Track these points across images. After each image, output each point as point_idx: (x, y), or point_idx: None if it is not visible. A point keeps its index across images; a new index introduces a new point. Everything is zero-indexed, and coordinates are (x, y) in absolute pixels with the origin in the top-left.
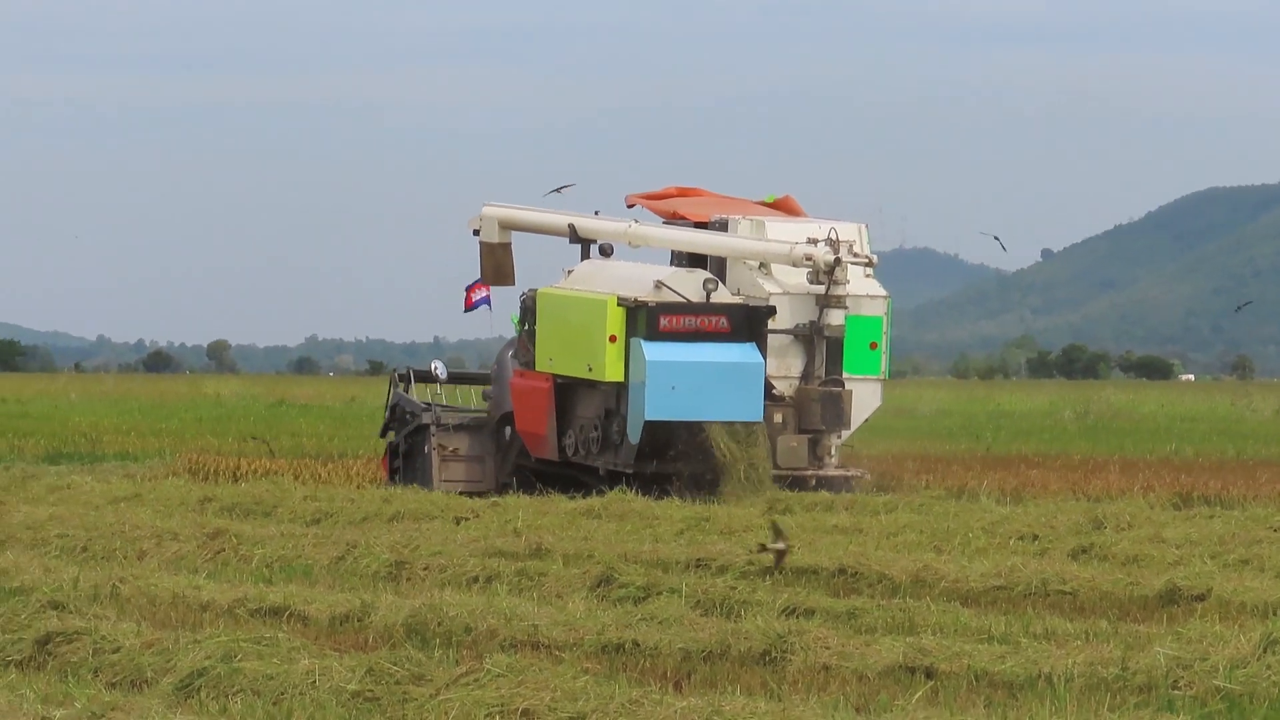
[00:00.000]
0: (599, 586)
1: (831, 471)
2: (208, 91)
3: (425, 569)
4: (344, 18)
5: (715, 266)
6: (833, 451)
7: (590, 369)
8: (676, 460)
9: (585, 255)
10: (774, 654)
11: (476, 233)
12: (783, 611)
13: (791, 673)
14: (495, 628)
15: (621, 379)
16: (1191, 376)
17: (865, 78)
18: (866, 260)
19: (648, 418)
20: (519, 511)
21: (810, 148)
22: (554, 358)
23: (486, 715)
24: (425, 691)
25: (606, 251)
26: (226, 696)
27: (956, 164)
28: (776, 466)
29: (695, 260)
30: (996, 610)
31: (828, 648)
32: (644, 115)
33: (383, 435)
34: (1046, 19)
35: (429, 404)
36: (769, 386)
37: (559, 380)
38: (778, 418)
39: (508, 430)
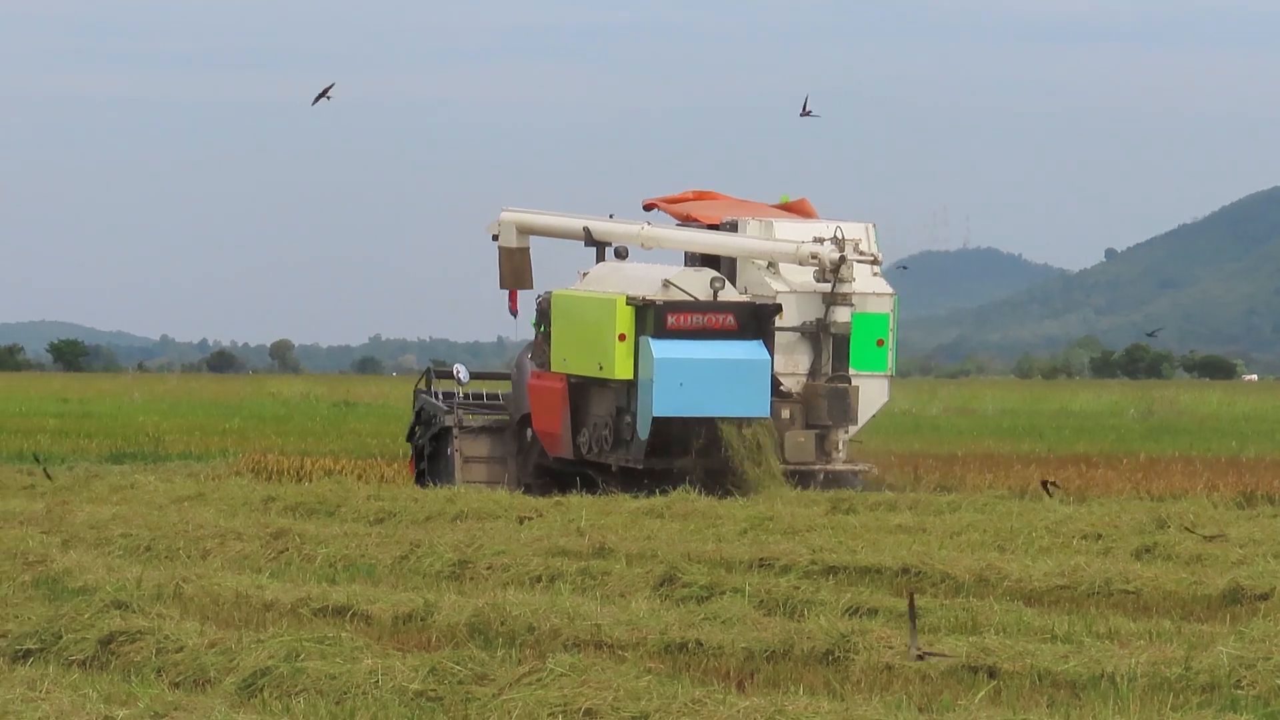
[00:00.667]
0: (662, 586)
1: (839, 466)
2: (269, 90)
3: (488, 568)
4: (400, 17)
5: (727, 267)
6: (840, 446)
7: (601, 367)
8: (686, 456)
9: (600, 258)
10: (837, 654)
11: (495, 238)
12: (846, 611)
13: (854, 672)
14: (558, 627)
15: (631, 377)
16: (1255, 376)
17: (926, 77)
18: (872, 259)
19: (656, 414)
20: (582, 511)
21: (871, 148)
22: (568, 358)
23: (549, 715)
24: (488, 691)
25: (622, 254)
26: (289, 696)
27: (1021, 163)
28: (784, 461)
29: (708, 261)
30: (1060, 610)
31: (891, 647)
32: (699, 114)
33: (409, 439)
34: (1112, 18)
35: (450, 406)
36: (776, 383)
37: (573, 380)
38: (785, 413)
39: (529, 432)
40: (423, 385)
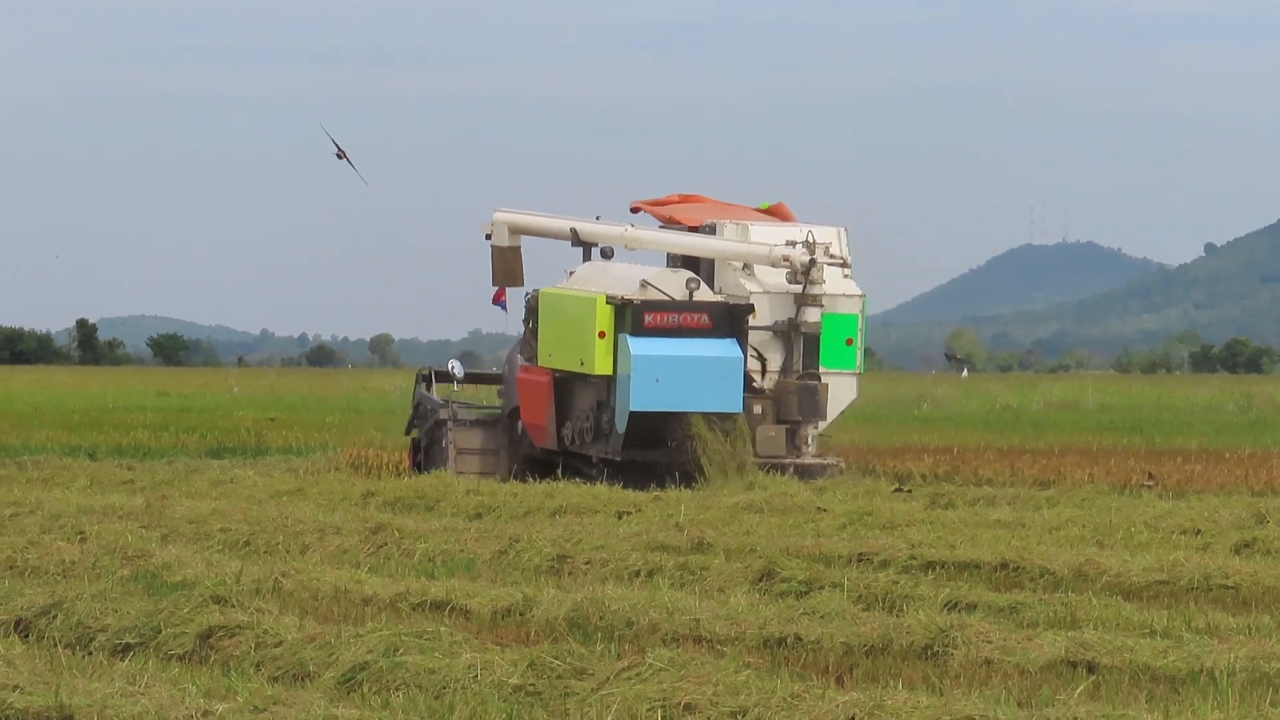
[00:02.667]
0: (761, 581)
1: (808, 460)
2: (369, 84)
3: (587, 563)
4: (521, 14)
5: (706, 268)
6: (810, 441)
7: (582, 363)
8: (662, 448)
9: (587, 257)
10: (936, 648)
11: (488, 237)
12: (944, 606)
13: (953, 667)
14: (657, 622)
15: (610, 372)
16: None
17: (1025, 72)
18: (842, 261)
19: (633, 409)
20: (681, 506)
21: (968, 142)
22: (553, 353)
23: (648, 709)
24: (587, 685)
25: (608, 254)
26: (388, 690)
27: (1120, 157)
28: (756, 455)
29: (689, 262)
30: (1158, 605)
31: (989, 642)
32: (795, 108)
33: (407, 433)
34: (1211, 14)
35: (446, 400)
36: (749, 380)
37: (558, 375)
38: (757, 409)
39: (519, 424)
40: (423, 382)
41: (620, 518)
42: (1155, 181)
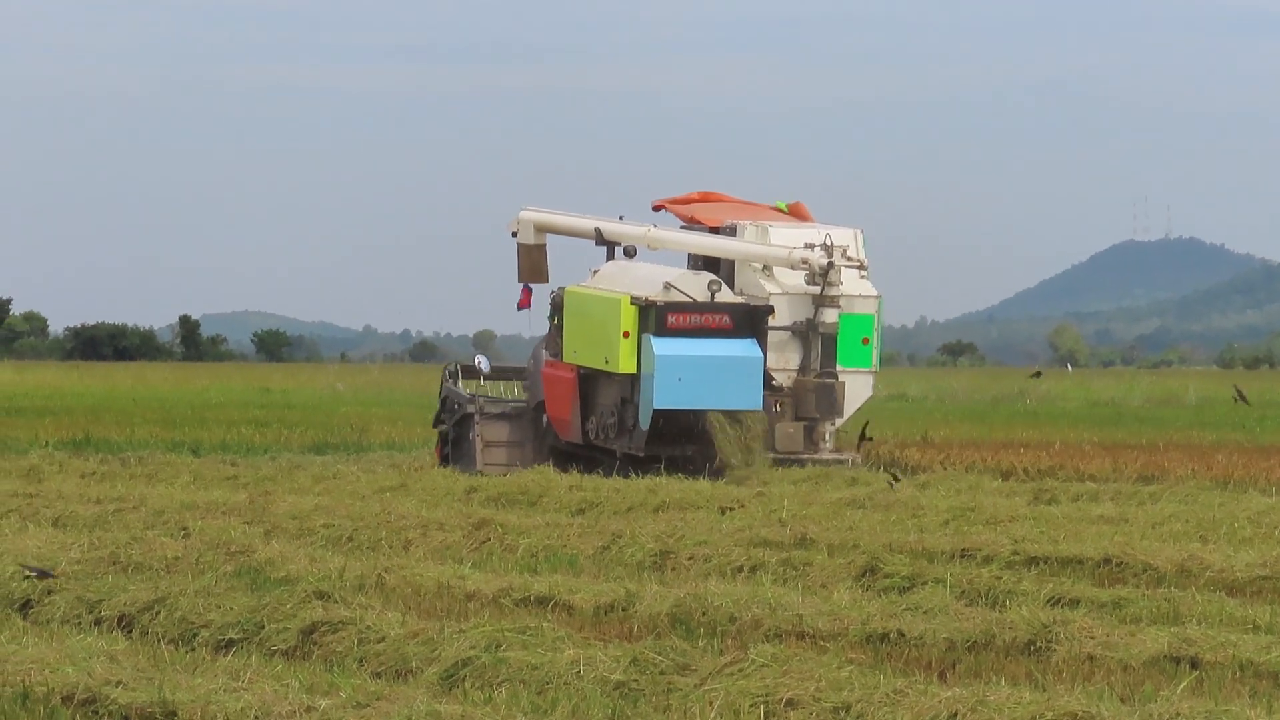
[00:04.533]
0: (864, 576)
1: (826, 455)
2: (477, 80)
3: (690, 559)
4: (628, 11)
5: (726, 268)
6: (827, 437)
7: (607, 361)
8: (683, 444)
9: (610, 256)
10: (1039, 644)
11: (514, 235)
12: (1048, 601)
13: (1056, 663)
14: (760, 617)
15: (634, 371)
16: None
17: (1129, 69)
18: (859, 264)
19: (656, 406)
20: (784, 501)
21: (1071, 139)
22: (578, 350)
23: (751, 705)
24: (689, 681)
25: (630, 253)
26: (491, 686)
27: (1224, 153)
28: (775, 450)
29: (709, 262)
30: (1262, 600)
31: (1092, 638)
32: (899, 106)
33: (435, 426)
34: None
35: (473, 395)
36: (769, 378)
37: (582, 370)
38: (776, 406)
39: (545, 418)
40: (450, 377)
41: (723, 513)
42: (1259, 178)
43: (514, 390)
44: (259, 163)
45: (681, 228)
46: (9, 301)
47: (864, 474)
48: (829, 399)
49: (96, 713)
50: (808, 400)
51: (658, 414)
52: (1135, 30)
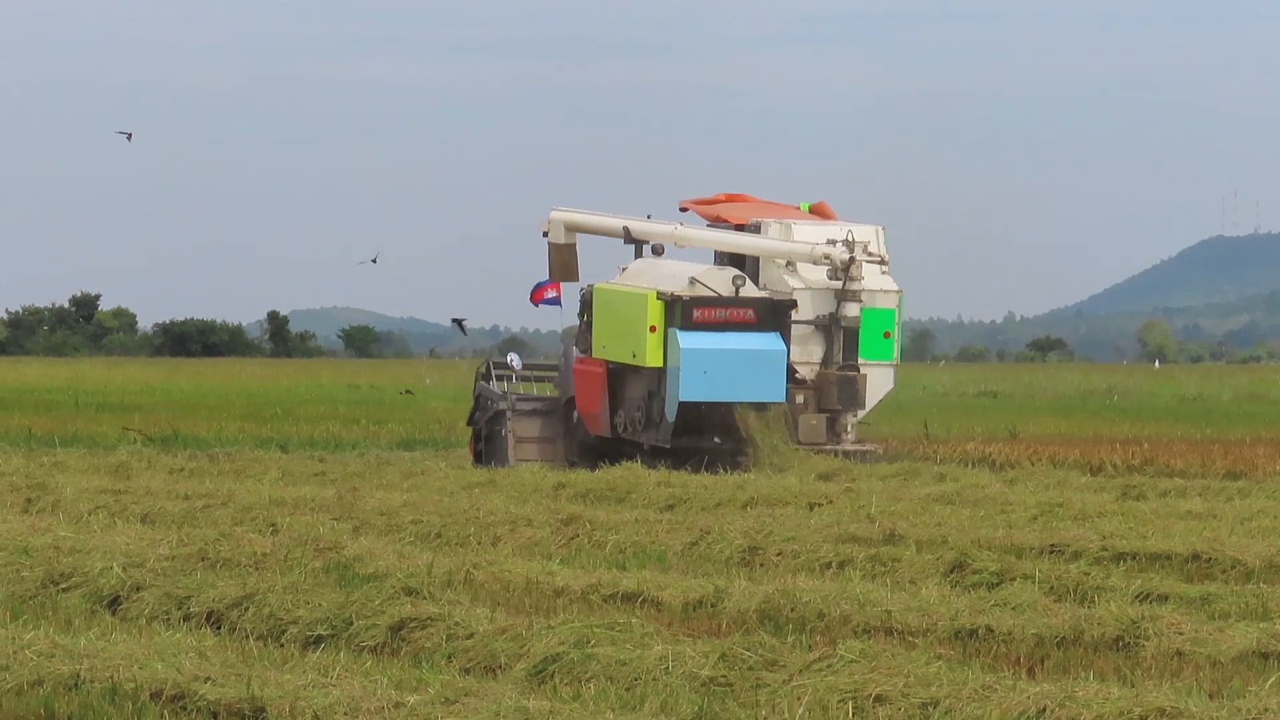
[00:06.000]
0: (952, 572)
1: (848, 446)
2: (568, 76)
3: (778, 555)
4: (692, 8)
5: (750, 265)
6: (849, 428)
7: (634, 355)
8: (709, 436)
9: (638, 254)
10: (1127, 640)
11: (545, 234)
12: (1136, 597)
13: (1145, 659)
14: (848, 613)
15: (661, 364)
16: None
17: (1214, 65)
18: (880, 259)
19: (682, 399)
20: (872, 497)
21: (1160, 134)
22: (606, 345)
23: (839, 701)
24: (778, 678)
25: (659, 251)
26: (580, 682)
27: None
28: (798, 442)
29: (734, 259)
30: None
31: (1181, 633)
32: (985, 100)
33: (469, 423)
34: None
35: (505, 392)
36: (792, 371)
37: (611, 365)
38: (799, 398)
39: (575, 413)
40: (482, 375)
41: (811, 509)
42: None
43: (548, 389)
44: (349, 158)
45: (707, 226)
46: (98, 297)
47: (953, 469)
48: (851, 391)
49: (185, 709)
50: (830, 392)
51: (684, 407)
52: (1225, 25)
